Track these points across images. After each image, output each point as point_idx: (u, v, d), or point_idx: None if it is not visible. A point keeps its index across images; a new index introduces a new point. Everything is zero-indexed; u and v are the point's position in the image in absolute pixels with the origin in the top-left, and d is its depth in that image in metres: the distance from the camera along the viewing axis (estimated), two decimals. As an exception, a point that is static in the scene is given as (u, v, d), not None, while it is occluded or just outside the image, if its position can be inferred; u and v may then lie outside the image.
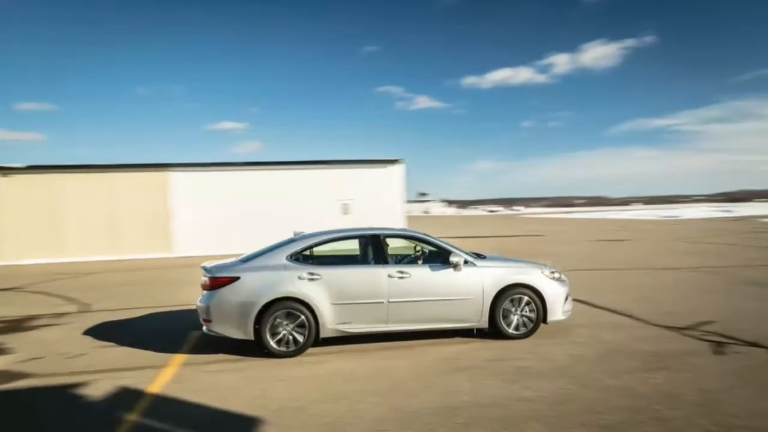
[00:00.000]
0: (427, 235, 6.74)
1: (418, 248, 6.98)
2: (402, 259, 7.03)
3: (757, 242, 19.87)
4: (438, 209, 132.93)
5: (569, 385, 4.67)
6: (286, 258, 6.09)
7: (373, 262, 6.30)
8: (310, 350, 5.97)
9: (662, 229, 30.94)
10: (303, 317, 5.85)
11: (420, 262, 6.68)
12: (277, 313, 5.81)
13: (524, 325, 6.36)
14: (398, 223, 21.77)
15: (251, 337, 5.81)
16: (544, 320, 6.40)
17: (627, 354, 5.60)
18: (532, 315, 6.35)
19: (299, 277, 5.92)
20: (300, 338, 5.86)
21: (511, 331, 6.31)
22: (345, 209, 21.89)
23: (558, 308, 6.45)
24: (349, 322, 6.01)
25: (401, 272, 6.13)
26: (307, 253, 6.43)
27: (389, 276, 6.09)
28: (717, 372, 4.95)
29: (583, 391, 4.52)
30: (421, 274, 6.20)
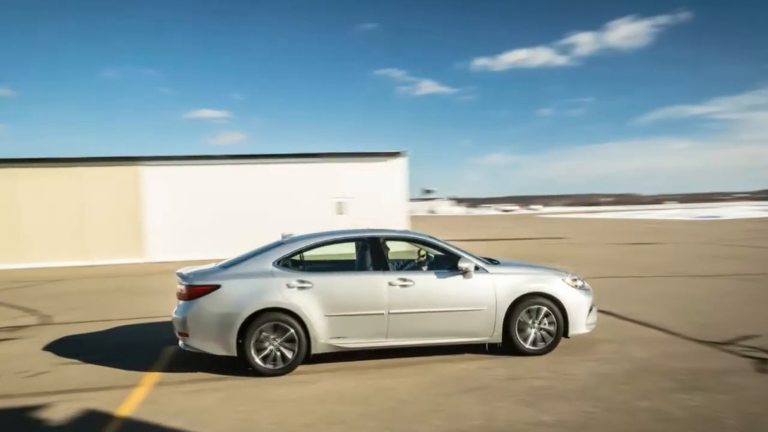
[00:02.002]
0: (433, 238, 6.73)
1: (422, 253, 6.98)
2: (404, 265, 7.02)
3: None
4: (445, 208, 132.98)
5: (593, 408, 4.65)
6: (273, 264, 6.07)
7: (371, 268, 6.28)
8: (300, 368, 5.95)
9: (699, 231, 30.92)
10: (292, 331, 5.82)
11: (424, 268, 6.67)
12: (263, 326, 5.79)
13: (543, 339, 6.33)
14: (400, 224, 21.75)
15: (234, 353, 5.78)
16: (565, 334, 6.37)
17: (659, 372, 5.58)
18: (552, 328, 6.33)
19: (288, 286, 5.89)
20: (289, 354, 5.83)
21: (527, 346, 6.29)
22: (340, 208, 21.90)
23: (581, 320, 6.43)
24: (345, 336, 5.98)
25: (403, 280, 6.11)
26: (297, 258, 6.42)
27: (390, 284, 6.06)
28: (761, 393, 4.93)
29: (608, 415, 4.50)
30: (425, 282, 6.17)
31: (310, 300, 5.87)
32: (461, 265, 6.19)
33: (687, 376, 5.42)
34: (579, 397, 4.92)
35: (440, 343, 6.27)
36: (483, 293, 6.22)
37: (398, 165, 22.55)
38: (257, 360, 5.78)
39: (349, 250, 6.88)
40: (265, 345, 5.80)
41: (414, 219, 31.03)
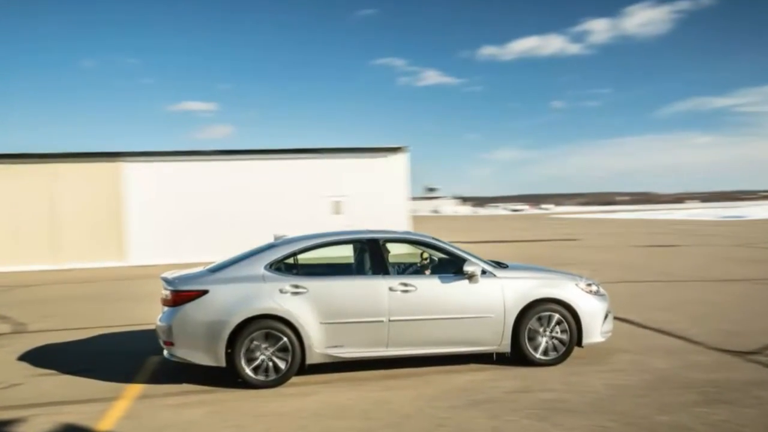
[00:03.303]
0: (436, 239, 6.75)
1: (425, 255, 6.99)
2: (406, 269, 7.04)
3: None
4: (450, 207, 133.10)
5: (609, 422, 4.66)
6: (265, 267, 6.07)
7: (370, 272, 6.30)
8: (294, 379, 5.96)
9: (723, 232, 30.92)
10: (285, 339, 5.82)
11: (427, 272, 6.69)
12: (254, 335, 5.79)
13: (555, 348, 6.34)
14: (401, 224, 21.74)
15: (222, 363, 5.78)
16: (579, 343, 6.38)
17: (680, 384, 5.59)
18: (565, 337, 6.33)
19: (281, 291, 5.90)
20: (282, 365, 5.83)
21: (538, 356, 6.30)
22: (336, 208, 21.92)
23: (596, 328, 6.44)
24: (341, 346, 5.99)
25: (405, 285, 6.12)
26: (291, 261, 6.42)
27: (390, 289, 6.07)
28: (790, 406, 4.94)
29: (626, 430, 4.51)
30: (429, 287, 6.19)
31: (304, 306, 5.88)
32: (467, 268, 6.19)
33: (710, 389, 5.43)
34: (594, 411, 4.92)
35: (444, 353, 6.29)
36: (490, 299, 6.23)
37: (399, 161, 22.56)
38: (248, 371, 5.78)
39: (346, 253, 6.90)
40: (256, 354, 5.80)
41: (416, 219, 31.04)
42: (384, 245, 6.49)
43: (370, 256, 6.38)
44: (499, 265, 6.73)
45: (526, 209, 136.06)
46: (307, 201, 21.70)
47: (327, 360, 6.00)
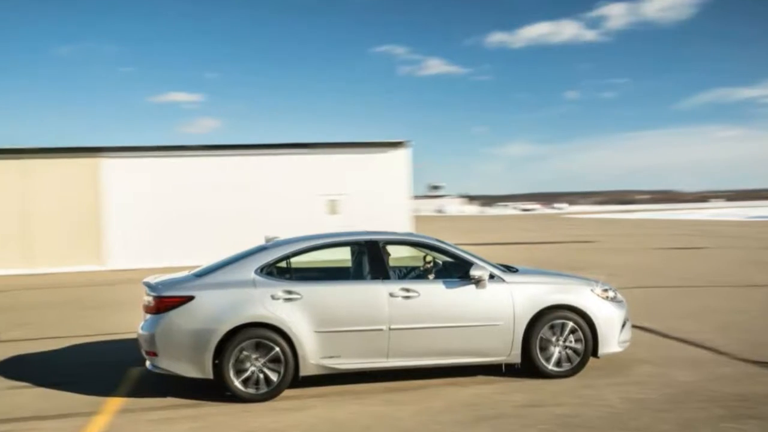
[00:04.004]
0: (441, 242, 6.77)
1: (428, 259, 7.01)
2: (407, 273, 7.06)
3: None
4: (455, 207, 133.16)
5: (628, 439, 4.67)
6: (256, 271, 6.08)
7: (369, 276, 6.31)
8: (287, 392, 5.97)
9: (751, 234, 30.93)
10: (277, 349, 5.82)
11: (431, 276, 6.72)
12: (244, 344, 5.78)
13: (568, 359, 6.35)
14: (402, 224, 21.75)
15: (210, 375, 5.77)
16: (594, 353, 6.39)
17: (705, 398, 5.59)
18: (579, 346, 6.34)
19: (273, 297, 5.91)
20: (273, 377, 5.83)
21: (551, 367, 6.30)
22: (332, 207, 21.92)
23: (613, 337, 6.46)
24: (338, 356, 5.99)
25: (407, 290, 6.13)
26: (284, 265, 6.45)
27: (391, 295, 6.08)
28: (823, 421, 4.95)
29: (646, 447, 4.52)
30: (432, 293, 6.20)
31: (298, 313, 5.88)
32: (474, 273, 6.17)
33: (738, 403, 5.43)
34: (611, 427, 4.93)
35: (449, 364, 6.29)
36: (499, 306, 6.23)
37: (400, 157, 22.55)
38: (237, 383, 5.76)
39: (343, 256, 6.90)
40: (246, 366, 5.79)
41: (418, 219, 31.01)
42: (384, 248, 6.50)
43: (369, 259, 6.38)
44: (509, 269, 6.75)
45: (538, 209, 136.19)
46: (301, 200, 21.70)
47: (322, 371, 6.00)
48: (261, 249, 6.45)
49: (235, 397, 5.78)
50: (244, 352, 5.80)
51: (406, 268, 7.23)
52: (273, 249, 6.38)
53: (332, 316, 5.96)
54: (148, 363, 6.06)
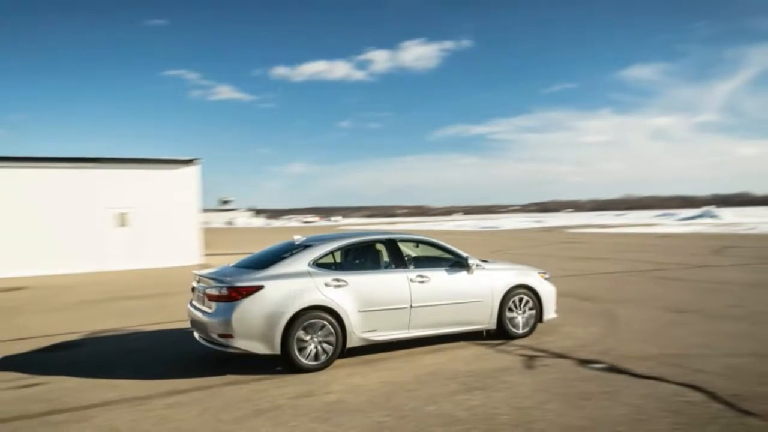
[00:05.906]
0: (438, 241, 7.69)
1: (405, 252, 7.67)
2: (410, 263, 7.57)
3: (569, 253, 23.30)
4: (244, 219, 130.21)
5: (385, 418, 4.81)
6: (309, 264, 6.53)
7: (393, 266, 7.03)
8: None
9: (478, 241, 34.45)
10: (330, 327, 6.28)
11: (411, 266, 7.25)
12: (305, 324, 6.18)
13: (527, 324, 7.59)
14: (192, 236, 20.90)
15: (278, 351, 6.11)
16: (540, 320, 7.67)
17: (446, 377, 6.00)
18: (533, 314, 7.61)
19: (326, 284, 6.39)
20: (329, 349, 6.28)
21: (519, 331, 7.50)
22: (122, 220, 20.20)
23: (551, 307, 7.84)
24: (375, 330, 6.59)
25: (421, 276, 6.95)
26: (329, 259, 6.90)
27: (411, 280, 6.87)
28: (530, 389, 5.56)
29: (399, 423, 4.70)
30: (439, 278, 7.07)
31: (345, 297, 6.42)
32: (471, 262, 7.26)
33: (469, 378, 5.87)
34: (373, 408, 5.07)
35: (451, 332, 7.19)
36: (483, 287, 7.30)
37: (190, 173, 21.48)
38: (299, 357, 6.16)
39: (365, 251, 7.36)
40: (305, 342, 6.20)
41: (210, 232, 29.51)
42: (399, 244, 7.23)
43: (390, 253, 7.12)
44: (484, 261, 7.74)
45: (317, 221, 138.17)
46: (89, 212, 19.64)
47: (363, 343, 6.57)
48: (303, 246, 6.84)
49: (297, 369, 6.13)
50: (304, 330, 6.18)
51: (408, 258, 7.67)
52: (319, 246, 6.80)
53: (371, 298, 6.57)
54: (206, 344, 6.44)
